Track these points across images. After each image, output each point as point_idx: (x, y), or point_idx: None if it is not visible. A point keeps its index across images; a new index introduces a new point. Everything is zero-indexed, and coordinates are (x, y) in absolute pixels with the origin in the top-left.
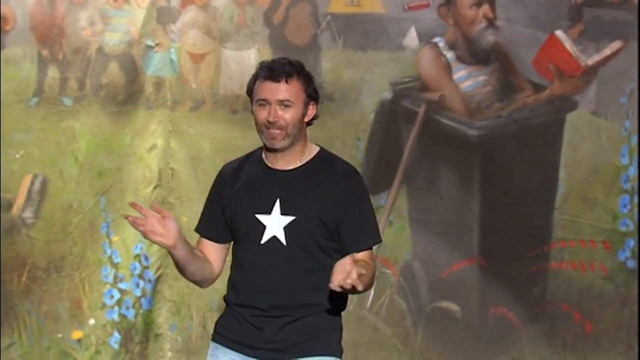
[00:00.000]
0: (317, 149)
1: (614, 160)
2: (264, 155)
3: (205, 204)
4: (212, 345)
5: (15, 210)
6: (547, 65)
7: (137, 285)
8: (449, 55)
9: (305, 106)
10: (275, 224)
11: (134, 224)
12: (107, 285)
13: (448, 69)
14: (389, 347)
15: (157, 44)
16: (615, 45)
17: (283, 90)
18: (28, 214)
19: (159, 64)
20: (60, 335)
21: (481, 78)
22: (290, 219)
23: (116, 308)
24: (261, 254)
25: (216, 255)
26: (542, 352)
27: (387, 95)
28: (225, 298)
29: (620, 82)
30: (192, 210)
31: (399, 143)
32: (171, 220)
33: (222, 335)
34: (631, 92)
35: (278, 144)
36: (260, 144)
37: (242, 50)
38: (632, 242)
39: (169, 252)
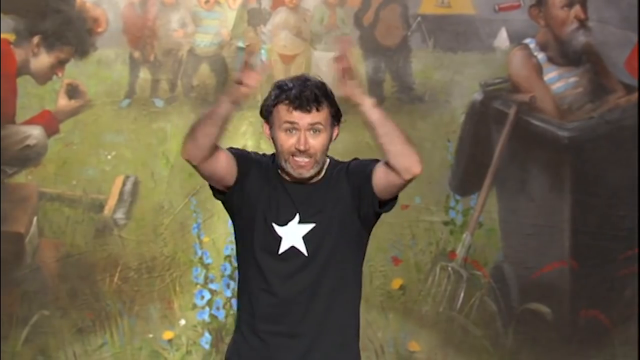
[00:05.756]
0: (328, 160)
1: None
2: (278, 169)
3: (249, 152)
4: None
5: (107, 211)
6: (639, 67)
7: (228, 285)
8: (540, 56)
9: (332, 128)
10: (292, 233)
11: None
12: (198, 286)
13: (539, 70)
14: (479, 348)
15: (247, 46)
16: None
17: (313, 116)
18: (120, 215)
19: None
20: (151, 336)
21: (572, 79)
22: (309, 227)
23: (207, 309)
24: (280, 264)
25: (226, 158)
26: (634, 354)
27: (478, 96)
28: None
29: None
30: None
31: (489, 144)
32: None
33: None
34: None
35: (306, 173)
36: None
37: (332, 51)
38: None
39: (223, 104)
